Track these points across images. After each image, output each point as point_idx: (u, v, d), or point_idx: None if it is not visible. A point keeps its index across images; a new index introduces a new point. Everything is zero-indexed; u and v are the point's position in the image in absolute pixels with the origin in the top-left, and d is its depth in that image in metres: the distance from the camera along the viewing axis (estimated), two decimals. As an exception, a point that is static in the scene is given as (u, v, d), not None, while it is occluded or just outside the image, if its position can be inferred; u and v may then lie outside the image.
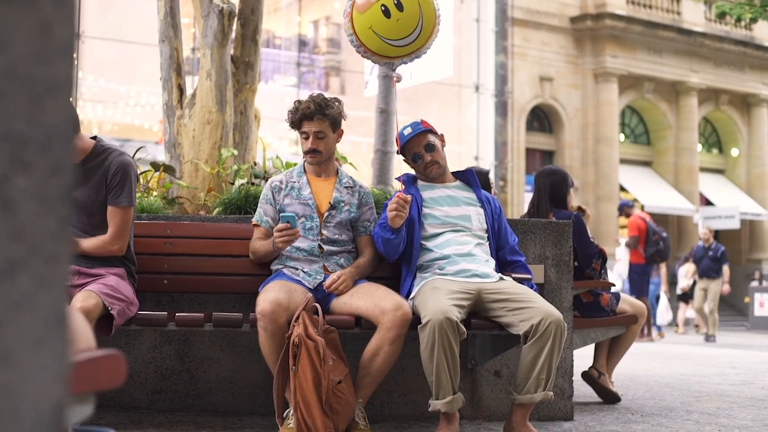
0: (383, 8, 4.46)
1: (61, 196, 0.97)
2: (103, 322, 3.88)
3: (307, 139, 4.44)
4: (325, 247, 4.37)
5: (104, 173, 4.15)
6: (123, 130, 20.68)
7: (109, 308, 3.89)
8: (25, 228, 0.94)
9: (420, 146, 4.56)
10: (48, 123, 0.97)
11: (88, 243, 4.20)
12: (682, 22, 28.18)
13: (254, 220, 4.53)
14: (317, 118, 4.39)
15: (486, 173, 6.48)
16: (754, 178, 30.46)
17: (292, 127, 4.49)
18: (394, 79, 4.83)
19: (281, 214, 4.27)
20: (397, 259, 4.44)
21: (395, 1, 4.44)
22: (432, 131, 4.62)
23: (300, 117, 4.42)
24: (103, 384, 1.37)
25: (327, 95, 4.58)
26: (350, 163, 6.35)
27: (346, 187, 4.52)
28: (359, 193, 4.55)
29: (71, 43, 1.00)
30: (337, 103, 4.49)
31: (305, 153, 4.47)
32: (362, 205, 4.52)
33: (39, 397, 0.95)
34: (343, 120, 4.51)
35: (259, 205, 4.56)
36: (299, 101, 4.49)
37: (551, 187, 5.95)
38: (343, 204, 4.45)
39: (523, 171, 25.84)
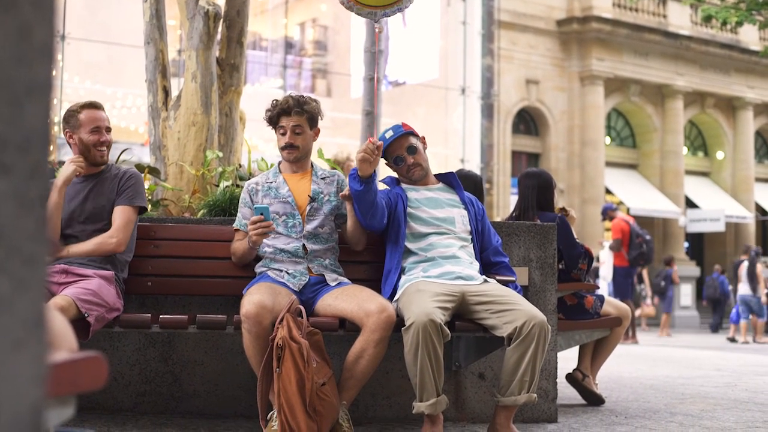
0: None
1: (40, 198, 0.98)
2: (79, 325, 3.88)
3: (284, 134, 4.46)
4: (309, 247, 4.37)
5: (117, 180, 4.40)
6: (108, 132, 20.55)
7: (85, 314, 3.90)
8: (4, 230, 0.94)
9: (402, 149, 4.56)
10: (27, 125, 0.97)
11: (86, 245, 4.23)
12: (668, 26, 28.26)
13: (235, 226, 4.53)
14: (295, 113, 4.43)
15: (479, 178, 6.43)
16: (740, 181, 30.55)
17: (270, 124, 4.52)
18: (377, 30, 4.89)
19: (255, 207, 4.24)
20: (381, 250, 4.44)
21: None
22: (413, 134, 4.61)
23: (278, 112, 4.45)
24: (83, 386, 1.36)
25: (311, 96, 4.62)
26: (336, 166, 6.33)
27: (322, 179, 4.53)
28: (336, 181, 4.56)
29: (51, 45, 1.00)
30: (314, 102, 4.53)
31: (282, 149, 4.49)
32: (342, 191, 4.52)
33: (17, 398, 0.95)
34: (320, 119, 4.55)
35: (238, 209, 4.56)
36: (276, 99, 4.53)
37: (539, 189, 5.88)
38: (322, 195, 4.46)
39: (509, 173, 25.86)
